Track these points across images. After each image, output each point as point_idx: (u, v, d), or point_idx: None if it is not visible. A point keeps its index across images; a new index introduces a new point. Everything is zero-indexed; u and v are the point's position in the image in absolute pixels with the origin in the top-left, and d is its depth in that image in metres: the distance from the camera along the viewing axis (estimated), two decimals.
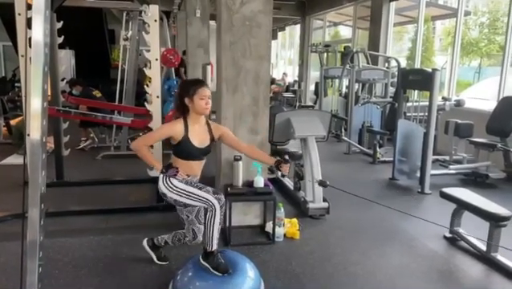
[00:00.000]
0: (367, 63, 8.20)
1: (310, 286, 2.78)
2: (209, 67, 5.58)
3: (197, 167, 2.65)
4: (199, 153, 2.60)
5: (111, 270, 2.90)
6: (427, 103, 4.80)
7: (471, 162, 5.49)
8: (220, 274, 2.47)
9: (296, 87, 13.49)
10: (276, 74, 16.66)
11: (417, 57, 8.27)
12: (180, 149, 2.55)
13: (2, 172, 5.29)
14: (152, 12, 3.86)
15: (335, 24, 13.77)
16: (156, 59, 3.95)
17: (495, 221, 3.07)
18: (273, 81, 14.18)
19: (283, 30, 17.56)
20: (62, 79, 5.11)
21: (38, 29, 1.74)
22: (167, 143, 2.70)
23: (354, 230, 3.73)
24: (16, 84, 9.58)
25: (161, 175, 2.55)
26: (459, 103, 5.94)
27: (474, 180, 5.28)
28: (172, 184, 2.53)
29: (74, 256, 3.08)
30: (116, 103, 6.92)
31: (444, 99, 5.94)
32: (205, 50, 7.98)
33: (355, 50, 8.11)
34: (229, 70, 3.43)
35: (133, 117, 5.51)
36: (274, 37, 17.51)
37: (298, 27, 14.51)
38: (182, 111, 2.56)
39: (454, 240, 3.50)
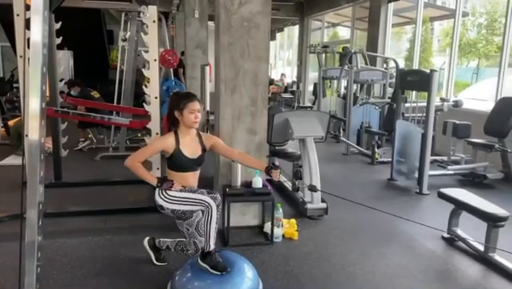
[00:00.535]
0: (366, 64, 8.22)
1: (309, 287, 2.78)
2: (207, 68, 5.59)
3: (191, 179, 2.67)
4: (192, 164, 2.63)
5: (109, 270, 2.90)
6: (425, 104, 4.82)
7: (469, 163, 5.50)
8: (218, 273, 2.47)
9: (295, 88, 13.51)
10: (274, 74, 16.68)
11: (415, 58, 8.29)
12: (174, 162, 2.59)
13: (0, 173, 5.28)
14: (151, 13, 3.87)
15: (334, 25, 13.80)
16: (155, 60, 3.95)
17: (493, 221, 3.08)
18: (271, 82, 14.21)
19: (282, 31, 17.58)
20: (61, 80, 5.11)
21: (36, 30, 1.75)
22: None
23: (352, 231, 3.73)
24: (14, 85, 9.56)
25: (157, 189, 2.58)
26: (457, 104, 5.95)
27: (472, 180, 5.30)
28: (167, 194, 2.56)
29: (72, 257, 3.08)
30: (115, 103, 6.91)
31: (443, 99, 5.95)
32: (204, 51, 7.98)
33: (353, 51, 8.12)
34: (228, 70, 3.44)
35: (132, 118, 5.50)
36: (273, 38, 17.53)
37: (296, 28, 14.53)
38: (172, 124, 2.61)
39: (452, 240, 3.51)
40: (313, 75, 12.77)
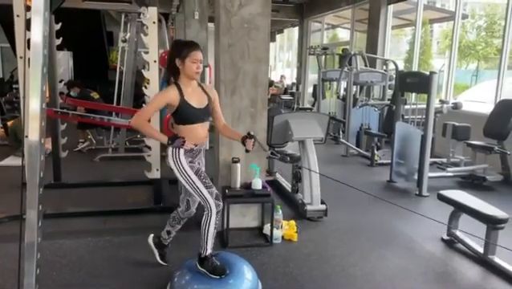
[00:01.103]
0: (365, 66, 8.22)
1: (309, 288, 2.78)
2: (207, 69, 5.59)
3: (201, 132, 2.58)
4: (200, 114, 2.53)
5: (108, 271, 2.89)
6: (424, 106, 4.82)
7: (468, 165, 5.50)
8: (217, 277, 2.47)
9: (294, 90, 13.52)
10: (274, 76, 16.69)
11: (415, 60, 8.30)
12: (181, 115, 2.49)
13: None
14: (151, 14, 3.87)
15: (334, 27, 13.82)
16: (155, 61, 3.96)
17: (492, 223, 3.08)
18: (271, 83, 14.21)
19: (281, 33, 17.61)
20: (61, 81, 5.11)
21: (37, 30, 1.74)
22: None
23: (352, 232, 3.73)
24: (14, 86, 9.56)
25: (170, 148, 2.50)
26: (456, 106, 5.96)
27: (472, 182, 5.30)
28: (180, 163, 2.48)
29: (71, 258, 3.07)
30: (114, 104, 6.91)
31: (442, 101, 5.97)
32: (204, 53, 7.97)
33: (353, 52, 8.14)
34: (228, 72, 3.44)
35: (131, 119, 5.49)
36: (273, 39, 17.54)
37: (296, 30, 14.55)
38: (173, 74, 2.53)
39: (452, 242, 3.51)
40: (312, 77, 12.78)
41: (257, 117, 3.56)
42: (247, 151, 2.60)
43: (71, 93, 6.88)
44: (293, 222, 3.66)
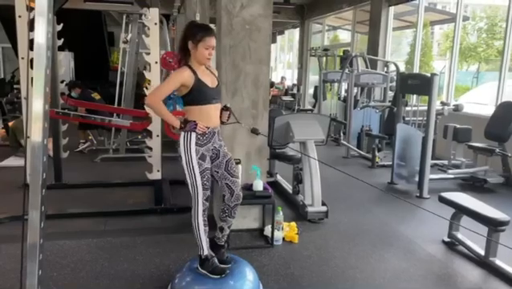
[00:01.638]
0: (366, 67, 8.22)
1: None
2: None
3: (214, 113, 2.51)
4: (214, 93, 2.50)
5: (109, 272, 2.89)
6: (426, 108, 4.82)
7: (469, 167, 5.50)
8: (218, 277, 2.46)
9: (295, 91, 13.52)
10: (275, 77, 16.70)
11: (416, 61, 8.30)
12: (195, 95, 2.42)
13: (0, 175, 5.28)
14: (153, 15, 3.88)
15: (334, 28, 13.82)
16: (156, 62, 3.96)
17: (493, 226, 3.07)
18: (272, 84, 14.21)
19: (282, 34, 17.62)
20: (62, 82, 5.12)
21: (40, 31, 1.74)
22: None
23: (352, 234, 3.73)
24: (15, 86, 9.57)
25: (182, 133, 2.44)
26: (457, 108, 5.97)
27: (473, 184, 5.30)
28: (190, 154, 2.42)
29: (72, 258, 3.07)
30: (115, 105, 6.92)
31: (443, 103, 5.96)
32: None
33: (354, 54, 8.13)
34: (229, 73, 3.44)
35: (132, 120, 5.51)
36: (274, 40, 17.54)
37: (297, 31, 14.55)
38: (184, 56, 2.47)
39: (452, 244, 3.51)
40: (313, 78, 12.78)
41: (258, 118, 3.56)
42: (222, 122, 2.60)
43: (72, 94, 6.88)
44: (294, 224, 3.65)
